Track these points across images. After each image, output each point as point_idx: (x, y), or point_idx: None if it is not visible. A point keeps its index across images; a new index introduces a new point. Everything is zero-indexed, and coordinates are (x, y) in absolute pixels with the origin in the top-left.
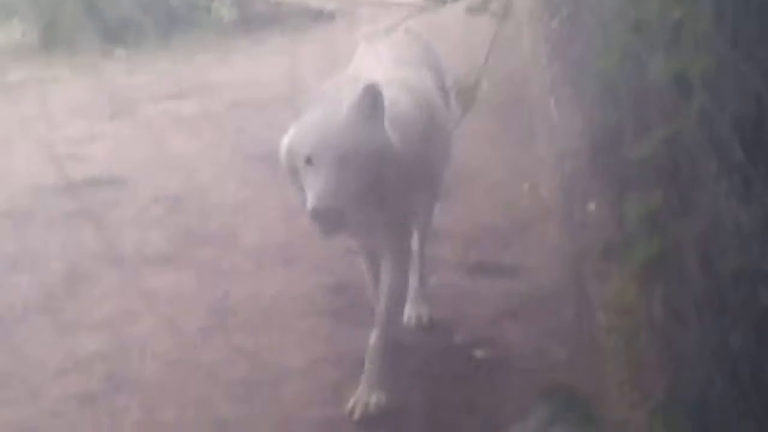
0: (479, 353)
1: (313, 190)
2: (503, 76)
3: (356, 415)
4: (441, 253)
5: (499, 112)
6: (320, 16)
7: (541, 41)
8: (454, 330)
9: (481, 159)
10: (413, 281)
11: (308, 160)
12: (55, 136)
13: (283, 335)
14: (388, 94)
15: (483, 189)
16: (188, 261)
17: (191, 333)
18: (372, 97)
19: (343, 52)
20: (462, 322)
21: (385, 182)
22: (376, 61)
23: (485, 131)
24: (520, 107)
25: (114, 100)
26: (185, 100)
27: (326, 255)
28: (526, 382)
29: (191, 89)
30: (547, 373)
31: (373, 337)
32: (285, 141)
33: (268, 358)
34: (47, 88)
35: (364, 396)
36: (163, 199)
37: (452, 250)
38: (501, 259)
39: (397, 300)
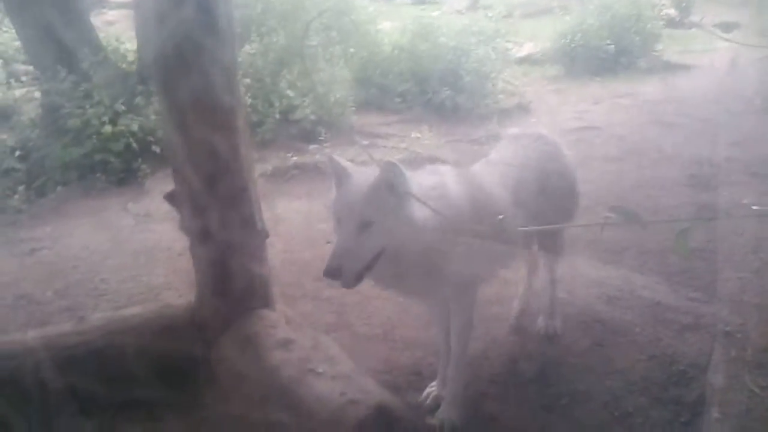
0: None
1: (332, 250)
2: None
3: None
4: None
5: None
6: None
7: None
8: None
9: None
10: (545, 301)
11: (338, 221)
12: None
13: None
14: (444, 182)
15: None
16: None
17: None
18: (390, 175)
19: None
20: None
21: (413, 250)
22: (491, 156)
23: None
24: None
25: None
26: None
27: None
28: None
29: None
30: None
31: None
32: (331, 200)
33: None
34: None
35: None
36: None
37: None
38: None
39: (464, 341)
